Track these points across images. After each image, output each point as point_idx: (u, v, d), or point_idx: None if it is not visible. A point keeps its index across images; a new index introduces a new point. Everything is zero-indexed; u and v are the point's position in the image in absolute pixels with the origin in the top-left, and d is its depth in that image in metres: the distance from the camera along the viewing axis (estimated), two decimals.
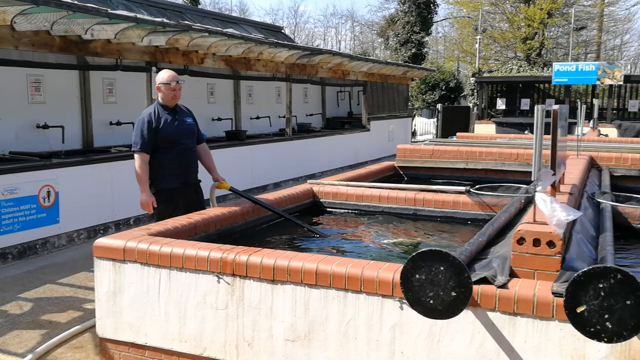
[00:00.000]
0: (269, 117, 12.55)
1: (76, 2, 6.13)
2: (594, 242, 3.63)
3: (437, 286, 2.56)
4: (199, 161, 5.06)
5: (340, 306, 3.04)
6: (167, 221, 4.10)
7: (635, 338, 2.38)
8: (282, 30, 19.24)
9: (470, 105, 22.80)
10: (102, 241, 3.63)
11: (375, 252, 4.33)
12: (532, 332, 2.66)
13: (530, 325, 2.66)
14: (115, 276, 3.58)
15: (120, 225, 7.65)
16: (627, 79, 20.00)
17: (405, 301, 2.69)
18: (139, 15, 7.37)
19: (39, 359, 4.08)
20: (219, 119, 11.06)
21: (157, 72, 7.28)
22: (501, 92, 22.47)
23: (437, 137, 19.57)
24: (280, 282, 3.16)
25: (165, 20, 7.64)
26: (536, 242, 2.83)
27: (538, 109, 3.30)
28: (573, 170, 5.20)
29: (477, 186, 5.28)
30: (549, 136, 3.46)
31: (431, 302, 2.58)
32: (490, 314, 2.73)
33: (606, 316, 2.30)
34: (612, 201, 4.82)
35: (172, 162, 4.77)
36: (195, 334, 3.40)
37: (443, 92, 28.52)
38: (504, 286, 2.72)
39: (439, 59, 38.47)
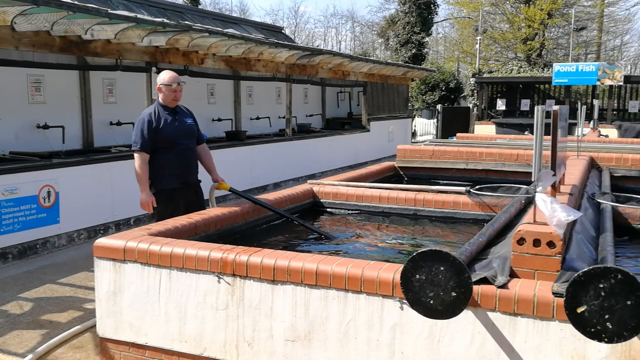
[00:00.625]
0: (269, 117, 12.55)
1: (76, 3, 6.13)
2: (594, 242, 3.63)
3: (438, 286, 2.56)
4: (198, 162, 5.06)
5: (340, 306, 3.04)
6: (168, 221, 4.10)
7: (635, 338, 2.38)
8: (283, 31, 19.24)
9: (470, 105, 22.80)
10: (102, 241, 3.63)
11: (375, 252, 4.33)
12: (532, 332, 2.66)
13: (530, 326, 2.66)
14: (116, 276, 3.58)
15: (120, 225, 7.65)
16: (627, 79, 20.00)
17: (406, 301, 2.69)
18: (139, 16, 7.38)
19: (39, 359, 4.08)
20: (219, 120, 11.07)
21: (157, 72, 7.30)
22: (501, 92, 22.47)
23: (437, 138, 19.58)
24: (281, 283, 3.16)
25: (165, 20, 7.64)
26: (536, 243, 2.83)
27: (538, 109, 3.30)
28: (573, 171, 5.21)
29: (477, 187, 5.27)
30: (549, 137, 3.47)
31: (431, 302, 2.58)
32: (491, 314, 2.73)
33: (606, 316, 2.30)
34: (613, 202, 4.82)
35: (172, 162, 4.77)
36: (195, 334, 3.40)
37: (443, 92, 28.53)
38: (504, 286, 2.72)
39: (439, 60, 38.48)
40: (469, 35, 31.88)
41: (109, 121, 8.73)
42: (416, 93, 28.94)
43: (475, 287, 2.69)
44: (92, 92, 8.44)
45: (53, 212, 6.85)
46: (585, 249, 3.37)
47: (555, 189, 3.76)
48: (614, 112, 20.42)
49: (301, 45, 15.25)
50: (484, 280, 2.75)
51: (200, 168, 5.06)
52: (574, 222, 3.64)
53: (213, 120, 10.94)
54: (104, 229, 7.49)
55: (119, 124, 8.76)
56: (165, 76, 4.79)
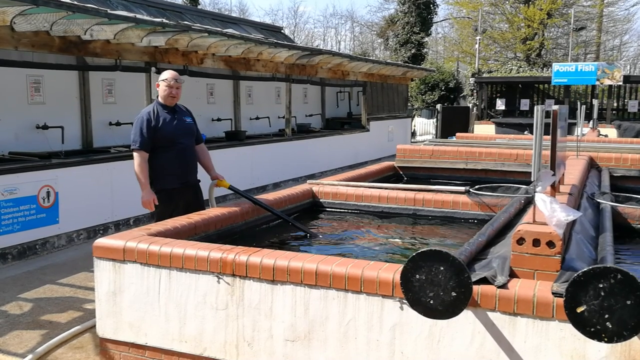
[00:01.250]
0: (268, 117, 12.55)
1: (76, 3, 6.13)
2: (594, 242, 3.63)
3: (437, 286, 2.56)
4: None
5: (340, 306, 3.04)
6: (167, 221, 4.10)
7: (635, 338, 2.38)
8: (282, 31, 19.24)
9: (470, 105, 22.80)
10: (101, 241, 3.63)
11: (375, 252, 4.33)
12: (532, 332, 2.66)
13: (530, 326, 2.66)
14: (115, 276, 3.58)
15: (120, 226, 7.65)
16: (627, 79, 20.01)
17: (406, 301, 2.69)
18: (138, 16, 7.38)
19: (39, 359, 4.08)
20: (219, 120, 11.07)
21: (156, 72, 7.31)
22: (501, 92, 22.47)
23: (436, 138, 19.58)
24: (280, 283, 3.16)
25: (164, 20, 7.64)
26: (536, 243, 2.83)
27: (537, 109, 3.30)
28: (573, 171, 5.21)
29: (476, 186, 5.28)
30: (549, 137, 3.47)
31: (431, 302, 2.58)
32: (490, 314, 2.73)
33: (606, 316, 2.30)
34: (612, 201, 4.82)
35: (172, 162, 4.76)
36: (195, 334, 3.40)
37: (442, 92, 28.54)
38: (504, 286, 2.72)
39: (439, 60, 38.48)
40: (469, 35, 31.89)
41: (108, 121, 8.73)
42: (416, 93, 28.95)
43: (475, 287, 2.69)
44: (92, 92, 8.44)
45: (52, 213, 6.85)
46: (585, 249, 3.37)
47: (554, 189, 3.76)
48: (614, 112, 20.43)
49: (301, 45, 15.26)
50: (484, 280, 2.76)
51: (200, 168, 5.06)
52: (573, 222, 3.65)
53: (212, 120, 10.94)
54: (104, 229, 7.49)
55: (118, 124, 8.76)
56: (164, 73, 4.83)
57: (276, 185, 11.11)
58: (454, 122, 20.22)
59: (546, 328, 2.64)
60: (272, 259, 3.19)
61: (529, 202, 4.30)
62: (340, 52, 20.91)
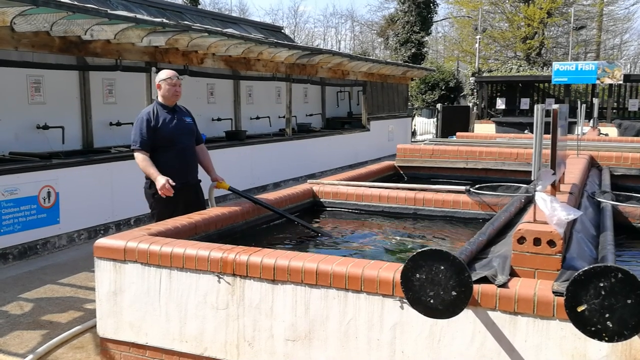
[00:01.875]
0: (268, 117, 12.55)
1: (76, 3, 6.13)
2: (595, 241, 3.63)
3: (438, 285, 2.56)
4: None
5: (340, 306, 3.04)
6: (168, 221, 4.10)
7: (636, 337, 2.38)
8: (282, 30, 19.23)
9: (470, 105, 22.80)
10: (102, 241, 3.63)
11: (375, 252, 4.33)
12: (532, 331, 2.66)
13: (530, 325, 2.66)
14: (116, 276, 3.58)
15: (120, 226, 7.65)
16: (627, 78, 19.99)
17: (406, 301, 2.69)
18: (138, 16, 7.38)
19: (39, 359, 4.08)
20: (219, 119, 11.06)
21: (156, 72, 7.29)
22: (501, 91, 22.47)
23: (437, 137, 19.57)
24: (281, 282, 3.16)
25: (164, 20, 7.64)
26: (537, 242, 2.83)
27: (538, 108, 3.30)
28: (573, 170, 5.21)
29: (477, 186, 5.27)
30: (549, 135, 3.47)
31: (432, 301, 2.58)
32: (491, 314, 2.73)
33: (607, 315, 2.30)
34: (613, 200, 4.82)
35: (172, 162, 4.76)
36: (196, 334, 3.40)
37: (443, 91, 28.51)
38: (504, 285, 2.72)
39: (439, 59, 38.47)
40: (469, 34, 31.87)
41: (108, 121, 8.73)
42: (416, 92, 28.93)
43: (476, 287, 2.69)
44: (92, 92, 8.44)
45: (53, 213, 6.85)
46: (586, 248, 3.37)
47: (555, 188, 3.76)
48: (614, 111, 20.42)
49: (301, 44, 15.26)
50: (484, 280, 2.75)
51: (200, 168, 5.06)
52: (574, 221, 3.64)
53: (213, 120, 10.94)
54: (104, 229, 7.49)
55: (118, 124, 8.76)
56: (163, 73, 4.82)
57: (276, 185, 11.11)
58: (454, 121, 20.20)
59: (547, 327, 2.64)
60: (272, 258, 3.19)
61: (530, 201, 4.30)
62: (341, 51, 20.91)
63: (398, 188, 5.57)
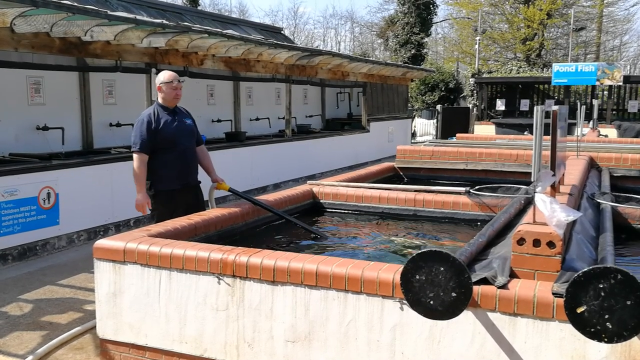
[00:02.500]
0: (268, 118, 12.56)
1: (76, 4, 6.13)
2: (594, 242, 3.63)
3: (438, 287, 2.56)
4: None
5: (340, 307, 3.04)
6: (167, 222, 4.10)
7: (635, 338, 2.38)
8: (282, 32, 19.24)
9: (470, 106, 22.80)
10: (102, 242, 3.63)
11: (375, 253, 4.33)
12: (532, 332, 2.66)
13: (530, 326, 2.66)
14: (116, 277, 3.58)
15: (120, 227, 7.65)
16: (627, 79, 20.00)
17: (406, 302, 2.69)
18: (138, 17, 7.37)
19: None
20: (219, 121, 11.07)
21: (156, 73, 7.29)
22: (501, 93, 22.47)
23: (436, 138, 19.58)
24: (281, 283, 3.16)
25: (164, 21, 7.64)
26: (536, 243, 2.83)
27: (537, 109, 3.30)
28: (573, 171, 5.21)
29: (476, 187, 5.28)
30: (549, 137, 3.47)
31: (431, 302, 2.58)
32: (491, 315, 2.73)
33: (606, 316, 2.30)
34: (612, 202, 4.82)
35: (173, 163, 4.77)
36: (195, 335, 3.40)
37: (443, 93, 28.54)
38: (504, 287, 2.72)
39: (439, 60, 38.46)
40: (468, 35, 31.89)
41: (108, 122, 8.73)
42: (416, 93, 28.95)
43: (475, 288, 2.69)
44: (92, 93, 8.44)
45: (53, 214, 6.85)
46: (585, 249, 3.37)
47: (554, 189, 3.76)
48: (614, 112, 20.42)
49: (300, 46, 15.26)
50: (484, 281, 2.76)
51: (200, 169, 5.06)
52: (573, 222, 3.65)
53: (213, 121, 10.94)
54: (104, 230, 7.49)
55: (118, 125, 8.76)
56: (165, 75, 4.81)
57: (276, 186, 11.11)
58: (454, 122, 20.21)
59: (546, 328, 2.64)
60: (272, 259, 3.19)
61: (529, 202, 4.30)
62: (340, 52, 20.91)
63: (398, 189, 5.57)
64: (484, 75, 23.16)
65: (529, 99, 21.54)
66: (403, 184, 6.66)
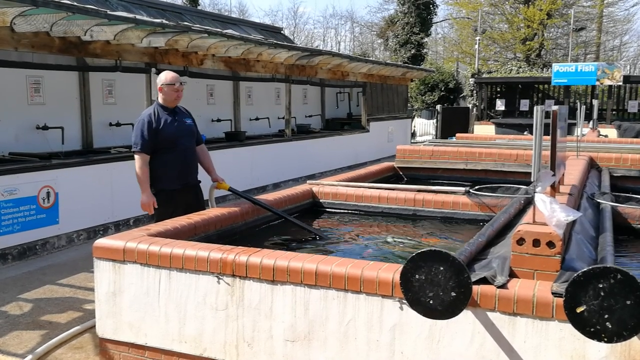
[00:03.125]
0: (268, 118, 12.56)
1: (75, 4, 6.13)
2: (594, 242, 3.63)
3: (437, 286, 2.56)
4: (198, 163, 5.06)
5: (340, 306, 3.04)
6: (167, 222, 4.10)
7: (635, 338, 2.38)
8: (282, 31, 19.24)
9: (470, 106, 22.81)
10: (101, 242, 3.63)
11: (375, 253, 4.33)
12: (531, 332, 2.66)
13: (530, 326, 2.66)
14: (115, 277, 3.58)
15: (119, 226, 7.65)
16: (627, 79, 20.00)
17: (405, 301, 2.69)
18: (138, 17, 7.37)
19: (39, 359, 4.08)
20: (219, 120, 11.07)
21: (156, 73, 7.30)
22: (500, 93, 22.47)
23: (436, 138, 19.58)
24: (280, 283, 3.16)
25: (164, 21, 7.64)
26: (536, 243, 2.83)
27: (537, 109, 3.30)
28: (573, 171, 5.21)
29: (476, 187, 5.28)
30: (549, 137, 3.47)
31: (431, 302, 2.58)
32: (490, 314, 2.73)
33: (606, 316, 2.30)
34: (612, 202, 4.82)
35: (172, 163, 4.77)
36: (195, 334, 3.40)
37: (442, 93, 28.55)
38: (503, 286, 2.72)
39: (439, 60, 38.48)
40: (468, 35, 31.89)
41: (108, 122, 8.73)
42: (415, 93, 28.96)
43: (475, 287, 2.69)
44: (92, 93, 8.44)
45: (52, 213, 6.85)
46: (585, 249, 3.37)
47: (554, 189, 3.76)
48: (614, 112, 20.42)
49: (300, 45, 15.26)
50: (484, 280, 2.76)
51: (200, 169, 5.06)
52: (573, 222, 3.65)
53: (212, 120, 10.95)
54: (104, 230, 7.49)
55: (118, 124, 8.76)
56: (167, 76, 4.80)
57: (276, 186, 11.11)
58: (453, 122, 20.21)
59: (546, 328, 2.64)
60: (272, 259, 3.19)
61: (529, 202, 4.30)
62: (340, 52, 20.91)
63: (397, 189, 5.57)
64: (484, 75, 23.16)
65: (528, 99, 21.54)
66: (403, 184, 6.66)
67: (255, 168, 10.65)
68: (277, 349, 3.20)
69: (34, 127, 7.65)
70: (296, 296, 3.13)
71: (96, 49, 7.23)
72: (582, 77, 19.22)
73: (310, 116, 14.68)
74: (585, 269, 2.34)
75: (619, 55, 40.36)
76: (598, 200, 4.86)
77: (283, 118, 12.28)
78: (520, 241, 2.86)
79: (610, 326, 2.30)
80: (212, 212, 4.44)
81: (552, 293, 2.61)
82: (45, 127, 7.66)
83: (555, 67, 19.76)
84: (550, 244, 2.80)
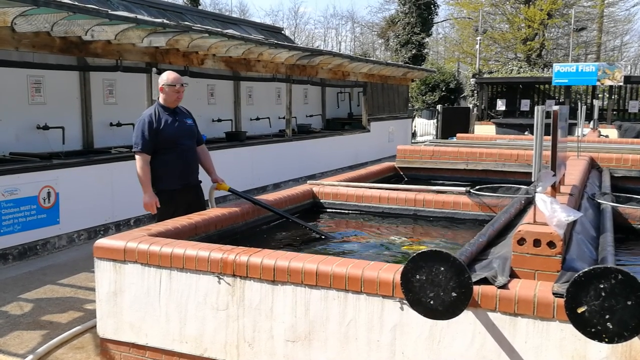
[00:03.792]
0: (268, 118, 12.56)
1: (76, 3, 6.13)
2: (595, 242, 3.63)
3: (438, 287, 2.56)
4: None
5: (340, 307, 3.04)
6: (168, 222, 4.10)
7: (636, 338, 2.38)
8: (282, 31, 19.24)
9: (470, 106, 22.80)
10: (102, 242, 3.63)
11: (375, 253, 4.32)
12: (532, 332, 2.66)
13: (530, 326, 2.66)
14: (116, 277, 3.58)
15: (120, 226, 7.65)
16: (627, 79, 20.00)
17: (406, 302, 2.69)
18: (139, 16, 7.38)
19: (39, 359, 4.08)
20: (219, 120, 11.07)
21: (157, 73, 7.31)
22: (501, 93, 22.47)
23: (437, 138, 19.57)
24: (281, 283, 3.16)
25: (165, 21, 7.64)
26: (537, 243, 2.83)
27: (538, 109, 3.30)
28: (573, 171, 5.21)
29: (477, 187, 5.27)
30: (549, 137, 3.47)
31: (432, 302, 2.58)
32: (491, 315, 2.73)
33: (607, 316, 2.30)
34: (613, 202, 4.82)
35: (173, 163, 4.77)
36: (195, 334, 3.40)
37: (443, 93, 28.54)
38: (504, 287, 2.72)
39: (439, 60, 38.47)
40: (469, 35, 31.89)
41: (109, 122, 8.73)
42: (416, 93, 28.95)
43: (476, 288, 2.69)
44: (92, 93, 8.44)
45: (53, 213, 6.85)
46: (586, 249, 3.37)
47: (555, 189, 3.76)
48: (614, 112, 20.42)
49: (301, 45, 15.27)
50: (484, 281, 2.75)
51: (200, 169, 5.06)
52: (574, 223, 3.64)
53: (213, 120, 10.95)
54: (104, 230, 7.49)
55: (119, 124, 8.76)
56: (168, 77, 4.79)
57: (276, 186, 11.11)
58: (454, 122, 20.21)
59: (547, 328, 2.63)
60: (272, 259, 3.19)
61: (530, 202, 4.30)
62: (341, 52, 20.92)
63: (398, 189, 5.57)
64: (485, 76, 23.16)
65: (529, 99, 21.54)
66: (403, 184, 6.66)
67: (256, 168, 10.65)
68: (278, 349, 3.20)
69: (35, 127, 7.65)
70: (297, 296, 3.13)
71: (97, 48, 7.23)
72: (583, 77, 19.22)
73: (310, 116, 14.68)
74: (586, 270, 2.34)
75: (620, 55, 40.33)
76: (599, 201, 4.85)
77: (284, 118, 12.28)
78: (521, 241, 2.86)
79: (611, 326, 2.30)
80: (213, 212, 4.44)
81: (553, 293, 2.61)
82: (45, 127, 7.67)
83: (556, 67, 19.76)
84: (551, 244, 2.80)
